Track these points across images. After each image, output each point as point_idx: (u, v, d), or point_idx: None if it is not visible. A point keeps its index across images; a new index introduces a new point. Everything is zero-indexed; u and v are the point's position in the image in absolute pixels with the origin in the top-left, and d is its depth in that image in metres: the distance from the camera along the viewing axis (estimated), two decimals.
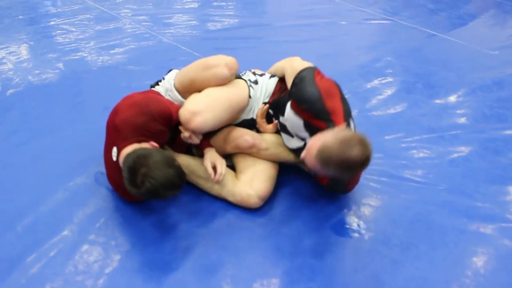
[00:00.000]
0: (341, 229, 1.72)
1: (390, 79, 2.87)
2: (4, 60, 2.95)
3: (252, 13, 4.01)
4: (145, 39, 3.25)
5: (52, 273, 1.49)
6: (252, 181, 1.76)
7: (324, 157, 1.40)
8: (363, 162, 1.39)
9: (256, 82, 1.95)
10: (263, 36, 3.48)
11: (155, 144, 1.59)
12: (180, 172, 1.47)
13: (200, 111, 1.67)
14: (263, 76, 2.00)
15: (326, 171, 1.45)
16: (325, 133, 1.48)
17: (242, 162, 1.85)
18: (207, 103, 1.71)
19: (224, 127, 1.86)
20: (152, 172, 1.40)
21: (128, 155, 1.48)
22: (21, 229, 1.65)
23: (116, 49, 3.11)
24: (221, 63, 1.78)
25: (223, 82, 1.79)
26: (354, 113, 2.40)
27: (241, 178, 1.80)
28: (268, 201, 1.81)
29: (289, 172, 1.96)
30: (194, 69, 1.84)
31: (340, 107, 1.63)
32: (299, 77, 1.69)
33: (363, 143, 1.39)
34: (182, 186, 1.50)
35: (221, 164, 1.73)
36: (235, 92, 1.83)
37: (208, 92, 1.76)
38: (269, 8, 4.36)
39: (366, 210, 1.81)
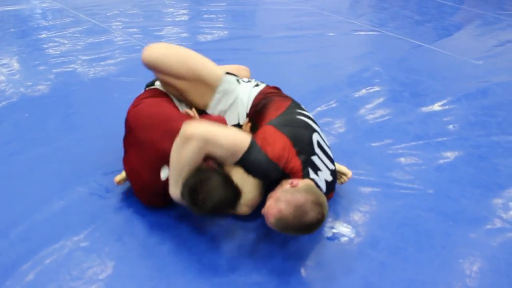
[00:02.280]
0: (330, 233, 1.76)
1: (378, 88, 2.94)
2: None
3: (242, 25, 4.08)
4: (136, 51, 3.29)
5: (47, 280, 1.51)
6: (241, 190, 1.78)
7: (282, 226, 1.48)
8: (320, 221, 1.47)
9: (243, 82, 1.94)
10: (253, 47, 3.54)
11: (212, 164, 1.63)
12: (236, 191, 1.57)
13: (155, 46, 1.81)
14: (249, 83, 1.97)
15: (286, 233, 1.56)
16: (280, 194, 1.51)
17: (232, 171, 1.87)
18: (167, 45, 1.87)
19: None
20: (212, 194, 1.49)
21: (189, 179, 1.53)
22: (16, 237, 1.66)
23: (108, 60, 3.15)
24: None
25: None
26: (342, 122, 2.48)
27: None
28: (258, 207, 1.84)
29: None
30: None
31: (297, 163, 1.59)
32: (252, 164, 1.55)
33: (317, 204, 1.46)
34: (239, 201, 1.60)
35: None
36: (204, 60, 1.88)
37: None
38: (259, 20, 4.44)
39: (355, 215, 1.85)
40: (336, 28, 4.07)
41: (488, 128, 2.55)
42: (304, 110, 1.80)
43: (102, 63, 3.11)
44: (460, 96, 2.89)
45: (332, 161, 1.72)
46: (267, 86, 1.94)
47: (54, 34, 3.64)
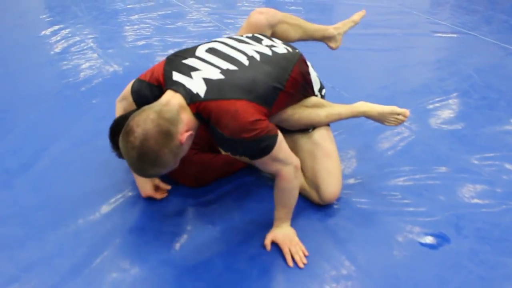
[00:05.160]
0: (426, 239, 1.69)
1: (471, 94, 2.79)
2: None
3: (320, 19, 4.02)
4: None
5: None
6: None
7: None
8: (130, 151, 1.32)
9: None
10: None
11: None
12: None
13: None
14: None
15: None
16: None
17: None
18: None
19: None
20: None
21: None
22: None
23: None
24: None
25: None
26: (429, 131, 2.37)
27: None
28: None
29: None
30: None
31: (160, 68, 1.54)
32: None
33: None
34: None
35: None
36: None
37: None
38: (341, 16, 4.34)
39: (451, 222, 1.77)
40: (425, 28, 3.90)
41: None
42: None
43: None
44: None
45: (239, 65, 1.51)
46: None
47: (145, 16, 3.77)
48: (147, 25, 3.64)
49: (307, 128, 1.80)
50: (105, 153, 1.82)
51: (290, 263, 1.55)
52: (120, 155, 1.67)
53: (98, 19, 3.79)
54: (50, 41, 3.31)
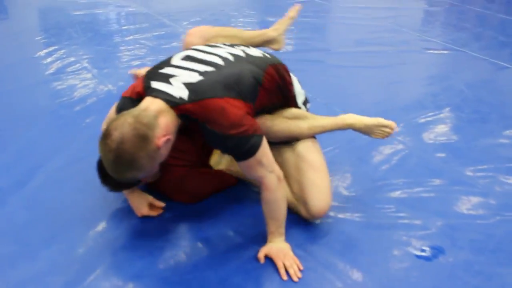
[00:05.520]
0: (420, 251, 1.68)
1: (464, 109, 2.82)
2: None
3: (312, 37, 4.08)
4: None
5: None
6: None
7: None
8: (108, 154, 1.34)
9: None
10: (323, 59, 3.56)
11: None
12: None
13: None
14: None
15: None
16: None
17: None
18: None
19: None
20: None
21: None
22: None
23: None
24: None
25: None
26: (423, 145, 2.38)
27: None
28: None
29: None
30: None
31: (140, 82, 1.57)
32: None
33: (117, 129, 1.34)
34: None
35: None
36: None
37: None
38: (334, 35, 4.41)
39: (446, 233, 1.76)
40: (416, 45, 3.96)
41: None
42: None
43: None
44: None
45: (216, 66, 1.54)
46: None
47: (140, 37, 3.81)
48: (142, 46, 3.67)
49: (291, 141, 1.80)
50: None
51: (284, 276, 1.53)
52: (110, 189, 1.71)
53: (93, 40, 3.82)
54: (45, 62, 3.32)
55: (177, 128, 1.45)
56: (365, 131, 1.83)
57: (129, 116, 1.33)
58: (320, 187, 1.73)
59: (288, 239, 1.65)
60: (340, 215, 1.85)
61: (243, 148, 1.42)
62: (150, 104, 1.41)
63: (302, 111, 1.82)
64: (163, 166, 1.57)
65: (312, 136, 1.84)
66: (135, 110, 1.38)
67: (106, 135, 1.31)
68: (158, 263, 1.59)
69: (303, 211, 1.76)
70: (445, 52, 3.85)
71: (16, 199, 1.90)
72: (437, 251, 1.69)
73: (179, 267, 1.58)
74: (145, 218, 1.79)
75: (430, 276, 1.58)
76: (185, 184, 1.84)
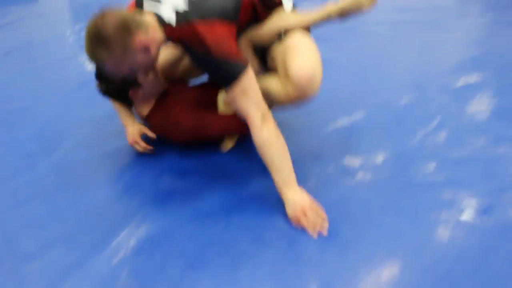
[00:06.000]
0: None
1: (507, 72, 2.65)
2: None
3: None
4: None
5: None
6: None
7: None
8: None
9: None
10: (362, 24, 3.42)
11: None
12: None
13: None
14: None
15: None
16: None
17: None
18: None
19: None
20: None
21: None
22: None
23: None
24: None
25: None
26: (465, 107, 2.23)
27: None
28: None
29: None
30: None
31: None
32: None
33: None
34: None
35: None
36: None
37: None
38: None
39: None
40: (455, 10, 3.79)
41: None
42: None
43: None
44: None
45: None
46: None
47: None
48: None
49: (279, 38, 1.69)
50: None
51: (314, 235, 1.45)
52: (101, 92, 1.81)
53: None
54: (74, 38, 3.35)
55: (159, 48, 1.48)
56: (355, 7, 1.63)
57: (125, 11, 1.39)
58: (305, 51, 1.60)
59: (320, 200, 1.58)
60: (378, 176, 1.75)
61: (228, 70, 1.44)
62: (146, 14, 1.46)
63: (289, 13, 1.73)
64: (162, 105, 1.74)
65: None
66: (134, 12, 1.43)
67: (99, 15, 1.35)
68: (187, 222, 1.55)
69: (288, 88, 1.59)
70: (484, 19, 3.66)
71: (46, 164, 1.90)
72: (483, 212, 1.57)
73: (207, 227, 1.54)
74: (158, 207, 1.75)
75: (476, 238, 1.46)
76: (188, 121, 1.79)
